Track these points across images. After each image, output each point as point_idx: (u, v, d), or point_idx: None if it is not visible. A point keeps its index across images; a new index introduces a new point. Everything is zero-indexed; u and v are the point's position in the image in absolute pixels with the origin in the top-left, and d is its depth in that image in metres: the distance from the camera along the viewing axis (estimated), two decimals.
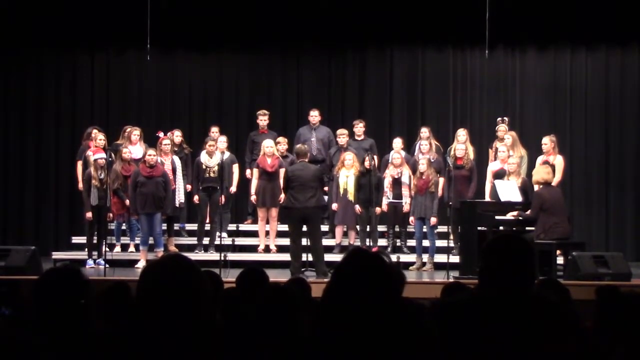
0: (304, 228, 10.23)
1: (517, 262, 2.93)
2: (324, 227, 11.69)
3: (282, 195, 11.59)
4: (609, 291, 4.79)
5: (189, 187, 12.11)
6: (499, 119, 12.36)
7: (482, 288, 2.99)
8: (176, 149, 12.16)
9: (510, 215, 10.30)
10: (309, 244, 10.30)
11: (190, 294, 2.57)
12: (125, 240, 12.00)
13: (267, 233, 11.92)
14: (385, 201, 11.67)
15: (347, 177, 11.56)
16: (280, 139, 12.24)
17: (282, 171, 11.64)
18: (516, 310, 2.87)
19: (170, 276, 2.57)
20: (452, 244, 11.19)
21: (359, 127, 12.47)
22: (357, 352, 2.55)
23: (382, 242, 11.94)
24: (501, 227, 10.27)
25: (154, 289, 2.56)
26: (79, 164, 11.89)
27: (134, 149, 11.85)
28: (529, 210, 10.15)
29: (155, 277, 2.58)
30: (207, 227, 11.99)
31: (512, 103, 14.13)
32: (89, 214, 11.17)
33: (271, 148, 11.71)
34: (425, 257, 11.32)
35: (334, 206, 11.73)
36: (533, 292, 3.00)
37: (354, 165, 11.54)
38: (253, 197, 11.91)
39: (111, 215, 11.40)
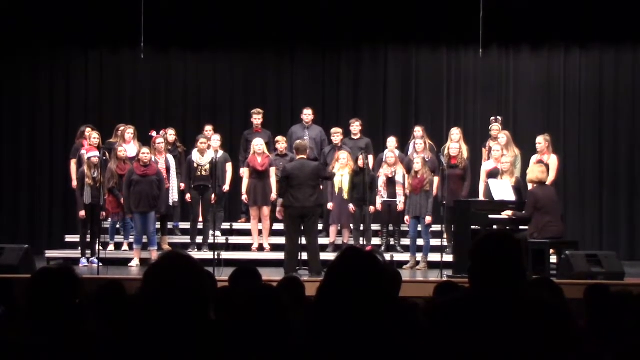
0: (302, 226, 10.24)
1: (504, 260, 2.94)
2: (319, 226, 11.67)
3: (273, 195, 11.61)
4: (598, 290, 4.81)
5: (182, 185, 12.10)
6: (493, 118, 12.37)
7: (473, 287, 3.00)
8: (170, 148, 12.15)
9: (505, 215, 10.31)
10: (304, 242, 10.31)
11: (196, 293, 2.57)
12: (119, 239, 11.99)
13: (261, 232, 11.92)
14: (379, 200, 11.67)
15: (342, 176, 11.56)
16: (280, 137, 12.22)
17: (272, 170, 11.64)
18: (509, 309, 2.87)
19: (177, 275, 2.57)
20: (445, 243, 11.20)
21: (356, 126, 12.45)
22: (351, 351, 2.55)
23: (375, 241, 11.94)
24: (495, 226, 10.28)
25: (160, 286, 2.56)
26: (73, 163, 11.86)
27: (128, 147, 11.83)
28: (524, 210, 10.17)
29: (163, 276, 2.58)
30: (200, 225, 11.98)
31: (506, 102, 14.14)
32: (83, 213, 11.14)
33: (261, 147, 11.70)
34: (419, 256, 11.33)
35: (330, 205, 11.73)
36: (526, 291, 3.00)
37: (348, 164, 11.54)
38: (244, 197, 11.90)
39: (104, 213, 11.38)
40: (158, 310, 2.53)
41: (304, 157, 10.51)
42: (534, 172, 10.43)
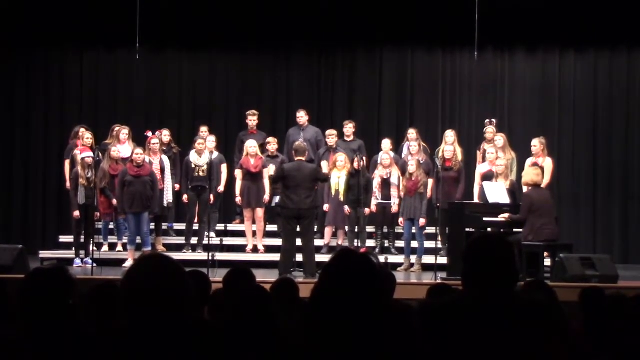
0: (298, 227, 10.24)
1: (497, 262, 2.93)
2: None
3: (267, 196, 11.62)
4: (593, 293, 4.81)
5: (177, 186, 12.09)
6: (487, 120, 12.38)
7: (466, 289, 3.00)
8: (165, 149, 12.14)
9: (501, 218, 10.32)
10: (299, 243, 10.31)
11: (172, 293, 2.56)
12: (112, 239, 11.96)
13: (255, 233, 11.91)
14: (374, 202, 11.67)
15: (338, 178, 11.56)
16: (271, 139, 12.24)
17: (265, 171, 11.65)
18: (502, 311, 2.87)
19: (151, 276, 2.56)
20: (440, 245, 11.20)
21: (349, 128, 12.47)
22: (345, 352, 2.55)
23: (370, 243, 11.94)
24: (489, 229, 10.28)
25: (136, 289, 2.55)
26: (67, 163, 11.84)
27: (123, 148, 11.82)
28: (518, 212, 10.18)
29: (137, 278, 2.58)
30: (196, 226, 11.97)
31: (501, 105, 14.16)
32: (77, 213, 11.12)
33: (254, 148, 11.70)
34: (413, 258, 11.34)
35: (326, 207, 11.73)
36: (519, 293, 3.00)
37: (345, 167, 11.54)
38: (238, 199, 11.89)
39: (98, 214, 11.37)
40: (138, 312, 2.53)
41: (302, 159, 10.50)
42: (530, 174, 10.45)
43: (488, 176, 11.30)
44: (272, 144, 12.11)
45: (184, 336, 2.55)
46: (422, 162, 11.69)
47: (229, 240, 12.42)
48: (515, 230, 10.24)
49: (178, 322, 2.54)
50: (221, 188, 12.16)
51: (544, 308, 2.94)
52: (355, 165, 11.43)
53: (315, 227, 11.89)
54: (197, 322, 2.66)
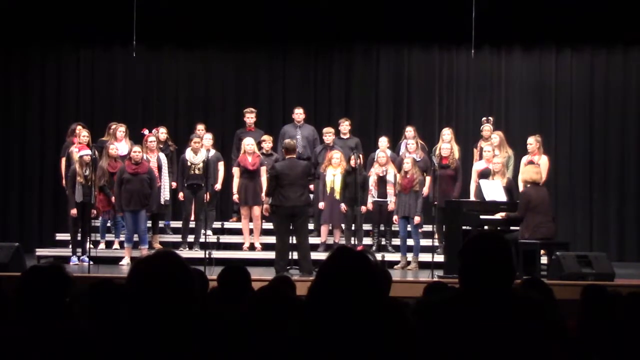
0: (291, 226, 10.23)
1: (494, 260, 2.94)
2: (310, 226, 11.66)
3: (264, 196, 11.61)
4: (595, 291, 4.81)
5: (174, 184, 12.09)
6: (484, 118, 12.39)
7: (463, 287, 3.00)
8: (161, 146, 12.13)
9: (498, 216, 10.32)
10: (294, 241, 10.30)
11: (181, 291, 2.56)
12: (109, 237, 11.96)
13: (252, 231, 11.91)
14: (370, 200, 11.67)
15: (333, 176, 11.55)
16: (266, 136, 12.24)
17: (263, 169, 11.64)
18: (498, 309, 2.88)
19: (162, 273, 2.56)
20: (436, 243, 11.21)
21: (345, 126, 12.48)
22: (341, 351, 2.55)
23: (367, 240, 11.94)
24: (486, 227, 10.29)
25: (145, 284, 2.55)
26: (63, 161, 11.84)
27: (120, 145, 11.81)
28: (515, 210, 10.19)
29: (147, 273, 2.57)
30: (192, 224, 11.97)
31: (498, 103, 14.17)
32: (74, 211, 11.11)
33: (252, 146, 11.69)
34: (409, 256, 11.33)
35: (321, 205, 11.72)
36: (516, 291, 3.00)
37: (340, 164, 11.53)
38: (235, 196, 11.89)
39: (95, 211, 11.36)
40: (143, 306, 2.52)
41: (293, 156, 10.49)
42: (529, 172, 10.45)
43: (485, 174, 11.30)
44: (267, 142, 12.10)
45: (185, 333, 2.55)
46: (419, 159, 11.69)
47: (225, 238, 12.42)
48: (512, 228, 10.25)
49: (180, 319, 2.54)
50: (218, 186, 12.17)
51: (541, 306, 2.94)
52: (352, 163, 11.42)
53: (312, 225, 11.92)
54: (197, 320, 2.65)
